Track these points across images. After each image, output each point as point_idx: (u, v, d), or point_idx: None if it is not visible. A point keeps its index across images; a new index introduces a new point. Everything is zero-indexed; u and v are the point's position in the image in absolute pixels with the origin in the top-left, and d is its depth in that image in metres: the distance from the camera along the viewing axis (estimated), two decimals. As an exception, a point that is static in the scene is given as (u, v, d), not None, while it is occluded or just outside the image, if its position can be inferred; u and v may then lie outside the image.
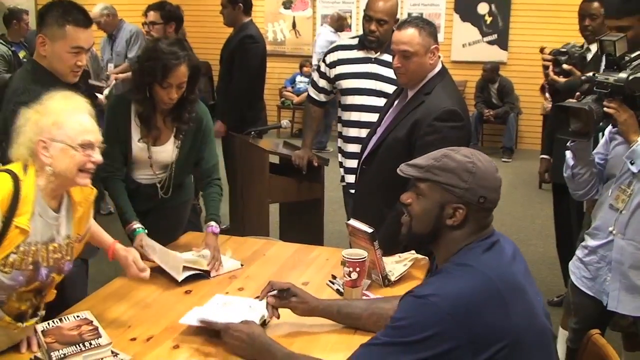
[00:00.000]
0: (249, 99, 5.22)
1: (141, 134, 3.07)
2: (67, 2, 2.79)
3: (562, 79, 2.91)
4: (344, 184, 4.05)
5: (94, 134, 2.18)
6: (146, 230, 2.94)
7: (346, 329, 2.33)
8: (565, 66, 2.89)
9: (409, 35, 2.98)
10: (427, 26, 3.01)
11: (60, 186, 2.18)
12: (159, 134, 3.09)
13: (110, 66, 6.47)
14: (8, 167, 2.14)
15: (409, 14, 9.30)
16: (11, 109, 2.56)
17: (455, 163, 1.80)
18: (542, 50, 3.21)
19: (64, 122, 2.12)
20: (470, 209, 1.79)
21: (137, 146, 3.08)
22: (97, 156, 2.18)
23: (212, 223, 3.03)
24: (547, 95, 3.18)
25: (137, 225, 2.96)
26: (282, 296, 2.29)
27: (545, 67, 2.98)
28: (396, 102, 3.23)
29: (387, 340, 1.70)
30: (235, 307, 2.41)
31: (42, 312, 2.28)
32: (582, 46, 3.67)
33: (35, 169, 2.13)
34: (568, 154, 2.81)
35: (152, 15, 5.13)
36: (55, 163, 2.11)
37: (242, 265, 2.92)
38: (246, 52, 5.16)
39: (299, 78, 10.11)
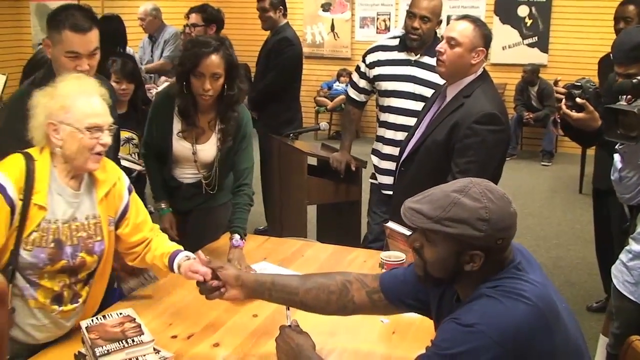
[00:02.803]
0: (281, 99, 5.29)
1: (181, 127, 3.11)
2: (74, 5, 2.67)
3: (574, 113, 2.87)
4: (376, 182, 4.02)
5: (103, 117, 2.21)
6: (171, 210, 3.18)
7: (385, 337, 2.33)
8: (578, 100, 2.85)
9: (462, 26, 3.02)
10: (483, 28, 3.04)
11: (74, 168, 2.22)
12: (201, 132, 3.12)
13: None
14: (27, 150, 2.21)
15: (449, 16, 9.26)
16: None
17: (467, 212, 1.66)
18: (556, 83, 3.18)
19: (72, 105, 2.16)
20: (489, 252, 1.69)
21: (178, 142, 3.13)
22: (106, 139, 2.20)
23: (237, 236, 2.96)
24: (558, 129, 3.12)
25: (163, 205, 3.18)
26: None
27: (559, 101, 2.95)
28: (434, 104, 3.23)
29: None
30: None
31: (83, 299, 2.32)
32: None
33: (49, 150, 2.20)
34: (616, 157, 2.77)
35: (194, 18, 5.22)
36: (66, 145, 2.17)
37: None
38: (281, 54, 5.27)
39: (336, 84, 10.11)
